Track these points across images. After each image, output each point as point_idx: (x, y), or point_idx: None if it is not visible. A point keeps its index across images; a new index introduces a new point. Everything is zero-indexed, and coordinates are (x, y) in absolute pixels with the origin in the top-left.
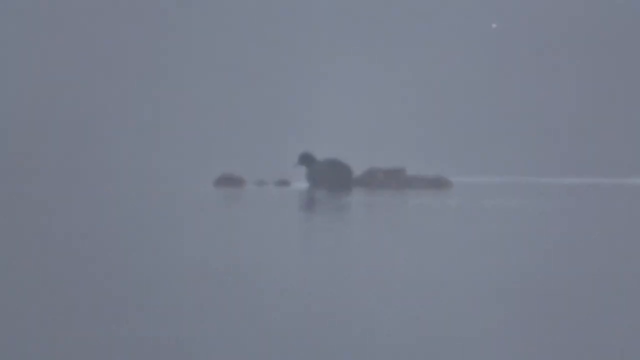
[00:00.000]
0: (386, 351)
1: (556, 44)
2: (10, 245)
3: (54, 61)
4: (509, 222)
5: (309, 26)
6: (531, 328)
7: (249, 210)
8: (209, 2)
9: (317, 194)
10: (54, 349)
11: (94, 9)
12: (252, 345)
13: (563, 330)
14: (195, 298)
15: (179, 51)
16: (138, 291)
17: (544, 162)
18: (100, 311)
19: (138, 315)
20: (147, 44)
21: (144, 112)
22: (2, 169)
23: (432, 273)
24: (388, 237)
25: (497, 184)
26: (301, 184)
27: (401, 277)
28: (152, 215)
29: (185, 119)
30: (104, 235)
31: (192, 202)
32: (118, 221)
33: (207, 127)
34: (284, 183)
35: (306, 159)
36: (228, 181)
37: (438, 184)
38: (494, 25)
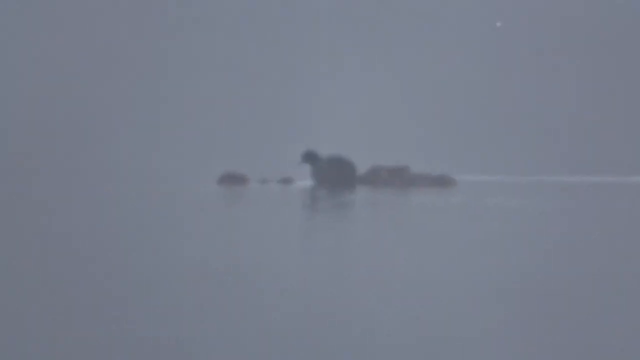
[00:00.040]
0: (385, 351)
1: (556, 44)
2: (10, 246)
3: (54, 61)
4: (511, 221)
5: (311, 26)
6: (531, 328)
7: (252, 209)
8: (209, 2)
9: (320, 192)
10: (53, 349)
11: (94, 9)
12: (251, 345)
13: (563, 330)
14: (195, 297)
15: (180, 51)
16: (138, 291)
17: (546, 161)
18: (100, 311)
19: (138, 315)
20: (147, 43)
21: (146, 110)
22: (2, 169)
23: (433, 272)
24: (391, 236)
25: (500, 182)
26: (304, 182)
27: (402, 277)
28: (154, 214)
29: (188, 118)
30: (106, 235)
31: (195, 200)
32: (120, 220)
33: (210, 126)
34: (287, 181)
35: (310, 157)
36: (231, 179)
37: (442, 182)
38: (498, 24)
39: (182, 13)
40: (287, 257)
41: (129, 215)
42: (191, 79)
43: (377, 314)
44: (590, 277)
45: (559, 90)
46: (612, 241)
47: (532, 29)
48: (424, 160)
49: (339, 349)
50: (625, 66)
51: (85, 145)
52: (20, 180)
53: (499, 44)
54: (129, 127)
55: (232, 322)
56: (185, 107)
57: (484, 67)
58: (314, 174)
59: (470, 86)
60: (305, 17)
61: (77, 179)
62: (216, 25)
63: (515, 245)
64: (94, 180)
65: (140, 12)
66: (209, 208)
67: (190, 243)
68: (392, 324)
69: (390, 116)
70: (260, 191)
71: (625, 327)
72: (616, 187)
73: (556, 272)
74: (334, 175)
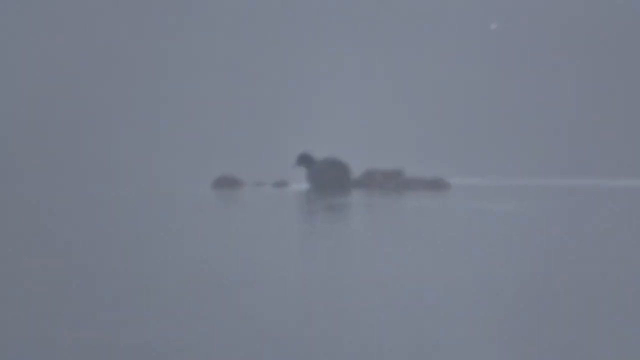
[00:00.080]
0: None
1: (556, 44)
2: (10, 246)
3: (54, 61)
4: (506, 225)
5: (307, 27)
6: (529, 332)
7: (246, 213)
8: (209, 2)
9: (315, 195)
10: (53, 349)
11: (94, 9)
12: (244, 350)
13: (561, 334)
14: (188, 303)
15: (179, 51)
16: (130, 295)
17: (543, 164)
18: (96, 312)
19: (132, 319)
20: (147, 43)
21: (143, 113)
22: (2, 169)
23: (426, 277)
24: (385, 241)
25: (495, 185)
26: (300, 185)
27: (395, 283)
28: (148, 218)
29: (183, 121)
30: (100, 237)
31: (190, 204)
32: (114, 223)
33: (205, 129)
34: (282, 184)
35: (305, 160)
36: (226, 183)
37: (436, 185)
38: (493, 26)
39: (181, 13)
40: (281, 264)
41: (125, 216)
42: (187, 81)
43: (369, 321)
44: (589, 281)
45: (558, 91)
46: (611, 244)
47: (532, 29)
48: (418, 163)
49: (331, 357)
50: (625, 66)
51: (82, 146)
52: (20, 180)
53: (497, 44)
54: (124, 129)
55: (225, 328)
56: (181, 109)
57: (482, 68)
58: (310, 176)
59: (468, 88)
60: (301, 20)
61: (73, 180)
62: (214, 28)
63: (510, 249)
64: (90, 181)
65: (140, 12)
66: (203, 212)
67: (186, 246)
68: (382, 331)
69: (385, 118)
70: (255, 195)
71: (624, 329)
72: (615, 189)
73: (553, 276)
74: (329, 177)
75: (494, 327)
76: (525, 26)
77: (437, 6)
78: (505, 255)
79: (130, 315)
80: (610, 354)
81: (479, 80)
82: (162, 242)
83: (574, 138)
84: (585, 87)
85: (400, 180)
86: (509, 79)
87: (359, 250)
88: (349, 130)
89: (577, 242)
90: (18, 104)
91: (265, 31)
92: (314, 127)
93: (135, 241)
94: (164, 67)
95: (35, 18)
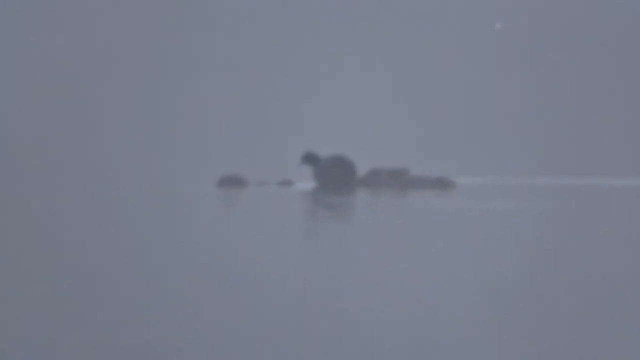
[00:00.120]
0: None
1: (556, 44)
2: (10, 245)
3: (54, 61)
4: (511, 224)
5: (310, 26)
6: (529, 332)
7: (250, 212)
8: (209, 2)
9: (321, 194)
10: (53, 349)
11: (94, 9)
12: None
13: (561, 334)
14: (188, 303)
15: (179, 51)
16: (130, 295)
17: (545, 163)
18: (96, 312)
19: (132, 319)
20: (147, 43)
21: (145, 112)
22: (2, 169)
23: (430, 276)
24: (389, 240)
25: (501, 184)
26: (304, 183)
27: (397, 282)
28: (152, 217)
29: (187, 120)
30: (103, 236)
31: (194, 203)
32: (118, 222)
33: (209, 128)
34: (287, 183)
35: (310, 158)
36: (231, 182)
37: (441, 184)
38: (498, 25)
39: (181, 13)
40: (283, 263)
41: (128, 216)
42: (189, 80)
43: (371, 321)
44: (590, 280)
45: (559, 90)
46: (612, 243)
47: (532, 29)
48: (423, 162)
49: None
50: (625, 66)
51: (85, 146)
52: (20, 180)
53: (498, 44)
54: (128, 128)
55: (226, 327)
56: (184, 108)
57: (484, 68)
58: (316, 175)
59: (471, 87)
60: (304, 19)
61: (76, 179)
62: (214, 28)
63: (515, 248)
64: (93, 180)
65: (140, 12)
66: (207, 211)
67: (185, 246)
68: (383, 331)
69: (389, 117)
70: (260, 194)
71: (625, 329)
72: (617, 188)
73: (556, 275)
74: (335, 173)
75: (495, 327)
76: (526, 26)
77: (438, 6)
78: (508, 255)
79: (130, 315)
80: (610, 354)
81: (481, 79)
82: (164, 242)
83: (576, 137)
84: (585, 87)
85: (406, 179)
86: (510, 78)
87: (362, 250)
88: (353, 130)
89: (579, 242)
90: (18, 104)
91: (265, 31)
92: (318, 127)
93: (137, 240)
94: (165, 66)
95: (35, 18)
